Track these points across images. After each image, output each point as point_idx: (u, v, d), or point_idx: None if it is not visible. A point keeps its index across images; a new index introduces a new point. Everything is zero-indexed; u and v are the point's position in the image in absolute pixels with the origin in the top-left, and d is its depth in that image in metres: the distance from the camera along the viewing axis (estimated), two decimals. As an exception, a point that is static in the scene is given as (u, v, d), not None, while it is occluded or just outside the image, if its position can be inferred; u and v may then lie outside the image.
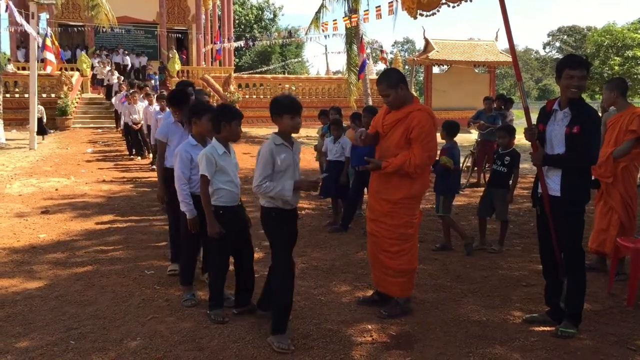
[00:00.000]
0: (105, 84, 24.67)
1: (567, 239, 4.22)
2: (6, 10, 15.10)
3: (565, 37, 70.65)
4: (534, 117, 4.44)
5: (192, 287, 4.96)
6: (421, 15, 6.46)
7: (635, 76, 26.41)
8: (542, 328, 4.33)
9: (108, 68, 25.44)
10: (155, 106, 12.16)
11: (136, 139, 14.55)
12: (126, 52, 29.64)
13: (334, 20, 20.66)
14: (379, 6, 18.06)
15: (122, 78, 23.47)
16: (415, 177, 4.43)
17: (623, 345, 4.04)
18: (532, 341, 4.10)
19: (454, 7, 6.29)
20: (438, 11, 6.48)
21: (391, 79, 4.44)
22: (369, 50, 30.09)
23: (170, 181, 5.14)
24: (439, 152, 6.53)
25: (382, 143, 4.58)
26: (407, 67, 37.59)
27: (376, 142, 4.67)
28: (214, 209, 4.35)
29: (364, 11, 20.48)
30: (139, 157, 14.50)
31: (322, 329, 4.28)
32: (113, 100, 18.88)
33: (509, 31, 4.31)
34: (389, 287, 4.65)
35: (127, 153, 15.02)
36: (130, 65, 28.92)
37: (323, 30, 21.71)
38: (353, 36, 21.93)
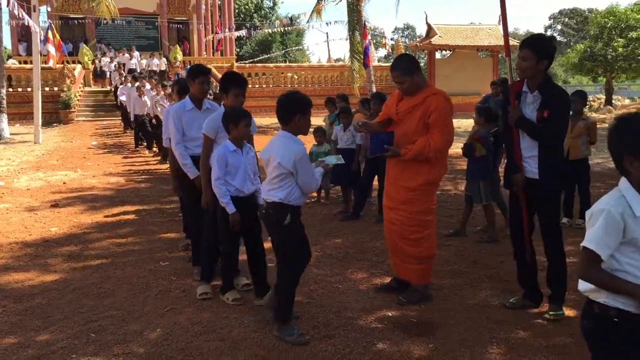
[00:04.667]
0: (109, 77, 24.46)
1: (548, 220, 4.24)
2: (7, 5, 15.00)
3: (567, 19, 70.20)
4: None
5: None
6: None
7: (639, 57, 26.25)
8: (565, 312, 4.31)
9: (108, 59, 25.30)
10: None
11: (148, 131, 14.26)
12: (133, 49, 27.12)
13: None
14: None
15: (124, 73, 22.80)
16: (434, 162, 4.40)
17: (646, 328, 4.01)
18: (555, 325, 4.09)
19: None
20: None
21: (406, 66, 4.41)
22: (370, 37, 29.93)
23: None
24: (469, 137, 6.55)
25: (398, 130, 4.54)
26: (408, 52, 37.40)
27: (385, 128, 4.65)
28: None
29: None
30: (147, 150, 14.41)
31: (343, 317, 4.27)
32: (118, 93, 18.47)
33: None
34: (408, 274, 4.63)
35: (133, 145, 14.96)
36: (142, 66, 25.82)
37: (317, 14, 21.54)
38: (355, 23, 21.77)
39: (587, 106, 11.57)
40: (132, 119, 14.99)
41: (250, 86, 24.51)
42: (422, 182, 4.42)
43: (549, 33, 74.60)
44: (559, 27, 72.09)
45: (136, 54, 26.34)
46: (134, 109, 14.53)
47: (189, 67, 5.58)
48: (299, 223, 4.03)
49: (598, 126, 7.52)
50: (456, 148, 7.12)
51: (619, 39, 26.53)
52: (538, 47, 4.07)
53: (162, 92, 12.49)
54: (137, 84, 15.12)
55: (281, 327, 3.95)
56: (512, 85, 4.29)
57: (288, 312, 3.98)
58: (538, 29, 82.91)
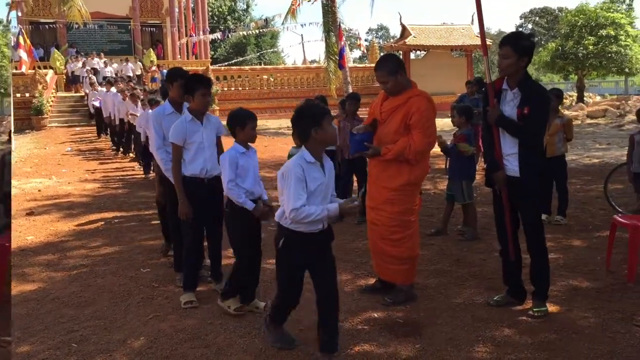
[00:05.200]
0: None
1: (530, 217, 4.27)
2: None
3: (537, 18, 71.18)
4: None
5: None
6: None
7: (609, 55, 26.72)
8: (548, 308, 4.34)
9: (79, 64, 24.90)
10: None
11: (129, 137, 13.87)
12: (102, 55, 26.54)
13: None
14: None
15: (94, 79, 22.30)
16: (415, 163, 4.40)
17: (629, 322, 4.07)
18: (539, 322, 4.11)
19: None
20: None
21: (390, 66, 4.41)
22: (345, 38, 30.05)
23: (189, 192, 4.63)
24: (453, 139, 6.59)
25: (381, 130, 4.54)
26: (383, 53, 37.57)
27: (375, 129, 4.63)
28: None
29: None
30: (122, 155, 14.19)
31: (329, 320, 4.23)
32: (90, 100, 18.00)
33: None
34: (391, 274, 4.63)
35: (108, 151, 14.75)
36: (114, 73, 24.27)
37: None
38: (330, 24, 21.80)
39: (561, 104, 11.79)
40: (117, 123, 14.32)
41: (226, 89, 24.64)
42: (404, 183, 4.42)
43: (520, 32, 75.62)
44: (529, 26, 73.01)
45: (97, 59, 25.80)
46: (119, 113, 14.03)
47: (164, 70, 5.37)
48: (301, 258, 3.61)
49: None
50: (435, 147, 7.15)
51: (590, 37, 26.98)
52: (519, 44, 4.09)
53: (129, 97, 12.27)
54: (112, 88, 14.81)
55: (274, 326, 3.90)
56: (492, 83, 4.31)
57: (278, 317, 3.90)
58: (509, 28, 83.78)
